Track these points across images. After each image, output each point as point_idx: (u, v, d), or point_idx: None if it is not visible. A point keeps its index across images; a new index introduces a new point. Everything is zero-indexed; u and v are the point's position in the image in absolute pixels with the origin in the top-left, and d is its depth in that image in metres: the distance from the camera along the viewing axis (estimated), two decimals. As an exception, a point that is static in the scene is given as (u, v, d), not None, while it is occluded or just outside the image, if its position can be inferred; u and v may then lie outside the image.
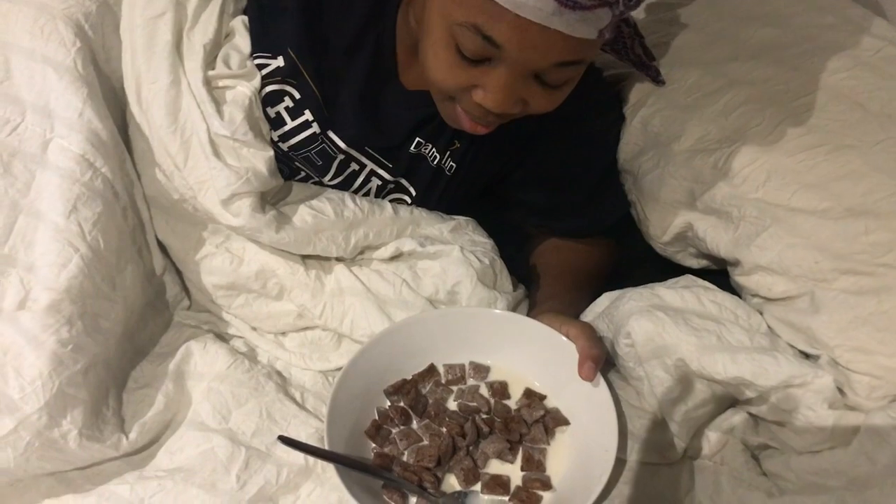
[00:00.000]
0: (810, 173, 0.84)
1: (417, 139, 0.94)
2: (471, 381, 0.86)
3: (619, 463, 0.78)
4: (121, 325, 0.81)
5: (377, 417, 0.82)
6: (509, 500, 0.75)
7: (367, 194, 0.96)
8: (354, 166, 0.94)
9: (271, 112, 0.90)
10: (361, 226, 0.91)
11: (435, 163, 0.96)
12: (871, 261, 0.78)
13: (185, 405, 0.82)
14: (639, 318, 0.81)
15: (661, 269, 0.99)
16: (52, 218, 0.75)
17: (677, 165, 0.94)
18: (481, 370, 0.86)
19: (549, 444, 0.80)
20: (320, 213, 0.88)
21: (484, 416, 0.81)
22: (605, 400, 0.78)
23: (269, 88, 0.89)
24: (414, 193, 0.98)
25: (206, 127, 0.83)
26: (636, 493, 0.77)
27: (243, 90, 0.87)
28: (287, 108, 0.90)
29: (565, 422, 0.81)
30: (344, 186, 0.95)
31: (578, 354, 0.80)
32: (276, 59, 0.88)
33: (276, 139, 0.91)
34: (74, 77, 0.79)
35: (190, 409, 0.81)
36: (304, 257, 0.90)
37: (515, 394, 0.85)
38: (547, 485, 0.76)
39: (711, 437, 0.80)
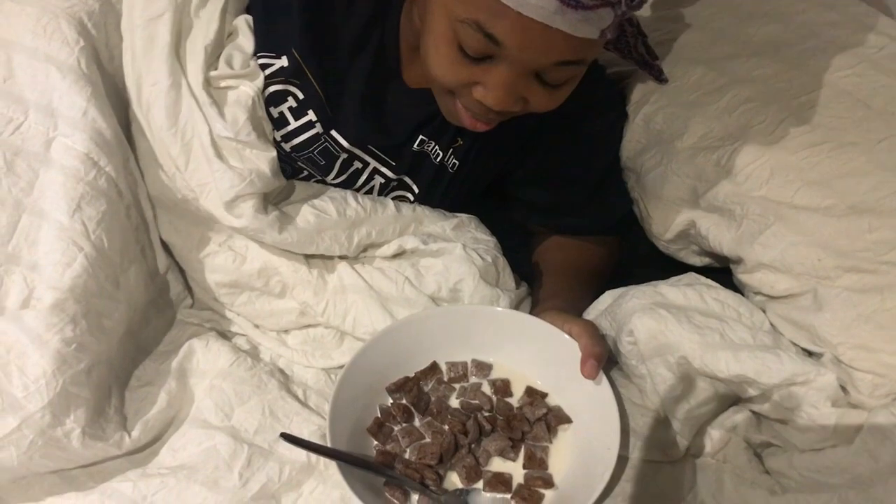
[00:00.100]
0: (813, 171, 0.84)
1: (420, 137, 0.94)
2: (473, 379, 0.86)
3: (622, 461, 0.78)
4: (124, 323, 0.82)
5: (379, 415, 0.82)
6: (511, 497, 0.75)
7: (369, 192, 0.96)
8: (357, 165, 0.94)
9: (274, 112, 0.90)
10: (364, 224, 0.91)
11: (438, 160, 0.96)
12: (875, 258, 0.78)
13: (187, 403, 0.82)
14: (641, 315, 0.81)
15: (664, 267, 0.99)
16: (56, 217, 0.75)
17: (680, 163, 0.93)
18: (484, 368, 0.86)
19: (551, 442, 0.80)
20: (323, 212, 0.88)
21: (486, 414, 0.81)
22: (607, 398, 0.78)
23: (272, 89, 0.89)
24: (417, 191, 0.98)
25: (209, 129, 0.83)
26: (639, 490, 0.77)
27: (246, 90, 0.86)
28: (290, 109, 0.90)
29: (567, 420, 0.81)
30: (347, 185, 0.95)
31: (581, 352, 0.80)
32: (279, 58, 0.88)
33: (278, 139, 0.90)
34: (78, 76, 0.79)
35: (192, 406, 0.82)
36: (307, 255, 0.90)
37: (518, 391, 0.85)
38: (549, 483, 0.76)
39: (714, 435, 0.80)
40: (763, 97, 0.90)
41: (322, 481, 0.78)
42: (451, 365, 0.86)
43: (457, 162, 0.96)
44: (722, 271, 0.93)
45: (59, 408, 0.70)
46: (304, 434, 0.79)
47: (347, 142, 0.91)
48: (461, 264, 0.90)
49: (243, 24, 0.89)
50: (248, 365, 0.85)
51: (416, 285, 0.90)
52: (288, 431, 0.77)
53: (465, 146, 0.96)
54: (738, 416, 0.80)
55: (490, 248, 0.95)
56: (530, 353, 0.85)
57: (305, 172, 0.94)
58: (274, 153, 0.86)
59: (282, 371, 0.88)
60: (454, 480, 0.77)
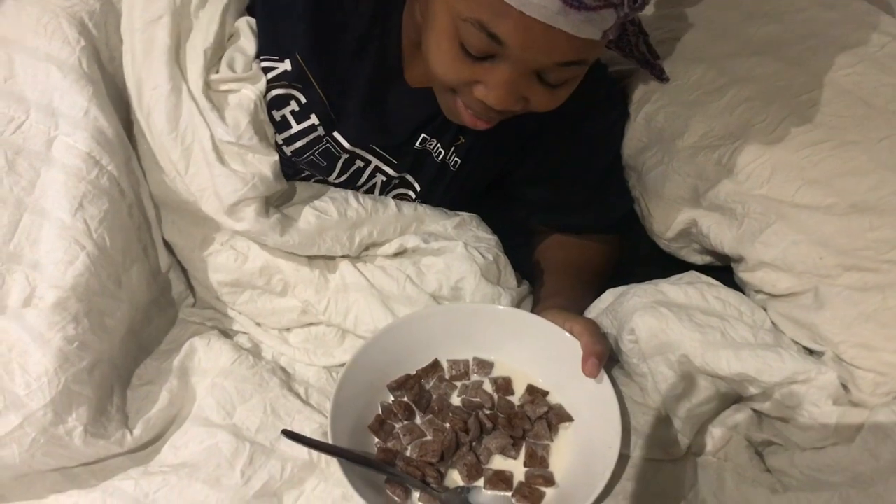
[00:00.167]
0: (815, 169, 0.84)
1: (423, 135, 0.94)
2: (474, 377, 0.86)
3: (623, 459, 0.78)
4: (126, 322, 0.82)
5: (381, 412, 0.82)
6: (512, 495, 0.75)
7: (371, 190, 0.96)
8: (359, 163, 0.94)
9: (276, 115, 0.89)
10: (365, 224, 0.91)
11: (440, 158, 0.96)
12: (876, 257, 0.78)
13: (189, 401, 0.82)
14: (643, 314, 0.82)
15: (665, 265, 0.99)
16: (58, 216, 0.75)
17: (681, 162, 0.93)
18: (485, 366, 0.86)
19: (552, 440, 0.80)
20: (324, 213, 0.88)
21: (487, 412, 0.82)
22: (608, 396, 0.78)
23: (274, 93, 0.88)
24: (419, 189, 0.98)
25: (210, 133, 0.83)
26: (640, 489, 0.77)
27: (248, 94, 0.86)
28: (293, 112, 0.90)
29: (569, 418, 0.81)
30: (348, 183, 0.95)
31: (582, 351, 0.80)
32: (283, 62, 0.88)
33: (280, 142, 0.90)
34: (79, 75, 0.79)
35: (194, 404, 0.82)
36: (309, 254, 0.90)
37: (519, 390, 0.85)
38: (550, 481, 0.76)
39: (715, 434, 0.80)
40: (764, 96, 0.90)
41: (324, 479, 0.78)
42: (453, 363, 0.86)
43: (459, 160, 0.96)
44: (723, 270, 0.93)
45: (61, 406, 0.71)
46: (306, 432, 0.79)
47: (349, 143, 0.91)
48: (462, 262, 0.90)
49: (245, 25, 0.89)
50: (249, 363, 0.85)
51: (418, 284, 0.90)
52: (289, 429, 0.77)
53: (466, 144, 0.96)
54: (739, 415, 0.80)
55: (491, 246, 0.95)
56: (532, 351, 0.85)
57: (306, 172, 0.94)
58: (276, 157, 0.86)
59: (283, 369, 0.88)
60: (455, 478, 0.77)
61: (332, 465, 0.77)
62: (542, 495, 0.75)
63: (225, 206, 0.83)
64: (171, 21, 0.83)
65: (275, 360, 0.90)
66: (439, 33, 0.75)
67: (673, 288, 0.86)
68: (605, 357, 0.80)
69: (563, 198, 1.03)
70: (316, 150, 0.91)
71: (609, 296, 0.91)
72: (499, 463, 0.79)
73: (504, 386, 0.84)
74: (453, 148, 0.96)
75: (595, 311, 0.91)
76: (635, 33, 0.95)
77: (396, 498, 0.75)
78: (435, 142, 0.94)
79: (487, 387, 0.85)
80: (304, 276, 0.89)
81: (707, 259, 0.97)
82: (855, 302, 0.77)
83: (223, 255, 0.89)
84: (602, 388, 0.79)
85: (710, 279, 0.88)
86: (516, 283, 0.96)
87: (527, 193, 1.05)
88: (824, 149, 0.84)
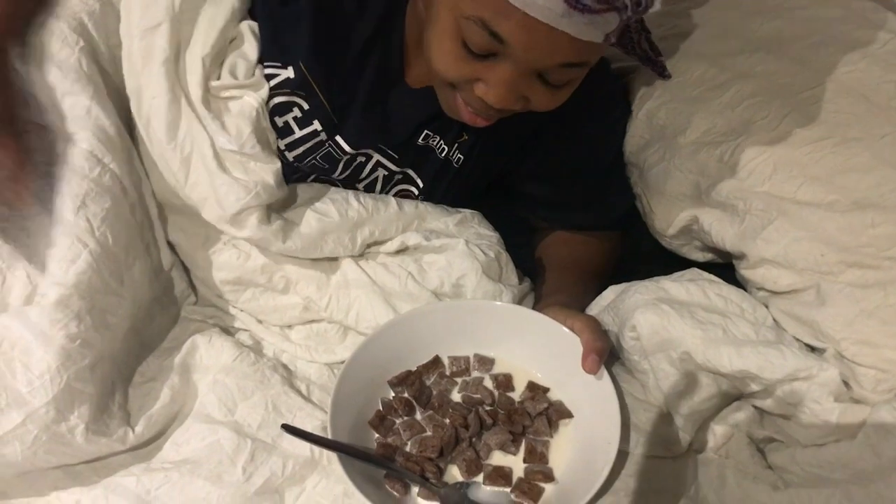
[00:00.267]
0: (816, 166, 0.83)
1: (425, 132, 0.94)
2: (475, 374, 0.86)
3: (624, 456, 0.78)
4: (128, 320, 0.82)
5: (381, 408, 0.82)
6: (511, 491, 0.75)
7: (373, 184, 0.96)
8: (361, 159, 0.94)
9: (279, 121, 0.89)
10: (367, 224, 0.91)
11: (443, 155, 0.96)
12: (878, 254, 0.78)
13: (191, 398, 0.82)
14: (644, 311, 0.82)
15: (667, 262, 0.98)
16: (60, 213, 0.76)
17: (683, 158, 0.93)
18: (486, 362, 0.86)
19: (552, 436, 0.80)
20: (325, 215, 0.88)
21: (487, 408, 0.82)
22: (608, 393, 0.78)
23: (277, 100, 0.88)
24: (421, 185, 0.98)
25: (210, 143, 0.82)
26: (641, 486, 0.77)
27: (250, 101, 0.85)
28: (295, 118, 0.89)
29: (569, 414, 0.81)
30: (351, 178, 0.95)
31: (582, 347, 0.80)
32: (285, 69, 0.87)
33: (282, 148, 0.90)
34: (79, 75, 0.79)
35: (196, 401, 0.82)
36: (311, 253, 0.91)
37: (520, 386, 0.85)
38: (549, 477, 0.76)
39: (717, 431, 0.80)
40: (766, 93, 0.90)
41: (325, 476, 0.78)
42: (454, 359, 0.86)
43: (462, 157, 0.96)
44: (725, 267, 0.93)
45: (64, 403, 0.71)
46: (307, 429, 0.79)
47: (350, 146, 0.91)
48: (464, 260, 0.90)
49: (247, 30, 0.88)
50: (251, 360, 0.85)
51: (419, 280, 0.90)
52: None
53: (470, 141, 0.96)
54: (740, 412, 0.80)
55: (493, 243, 0.95)
56: (533, 348, 0.85)
57: (308, 173, 0.95)
58: (278, 164, 0.86)
59: (285, 366, 0.89)
60: (454, 474, 0.77)
61: (333, 461, 0.77)
62: (541, 491, 0.75)
63: (227, 216, 0.83)
64: (171, 28, 0.82)
65: (276, 356, 0.90)
66: (441, 30, 0.75)
67: (674, 285, 0.86)
68: (606, 353, 0.80)
69: (565, 195, 1.03)
70: (318, 155, 0.91)
71: (611, 293, 0.91)
72: (498, 459, 0.79)
73: (504, 382, 0.84)
74: (456, 145, 0.96)
75: (597, 308, 0.91)
76: (637, 30, 0.95)
77: (395, 493, 0.75)
78: (438, 138, 0.94)
79: (488, 383, 0.85)
80: (305, 273, 0.90)
81: (709, 256, 0.97)
82: (856, 299, 0.77)
83: (226, 253, 0.89)
84: (602, 385, 0.79)
85: (711, 276, 0.88)
86: (518, 280, 0.96)
87: (529, 190, 1.05)
88: (826, 146, 0.84)
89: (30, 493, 0.75)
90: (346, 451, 0.74)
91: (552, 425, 0.80)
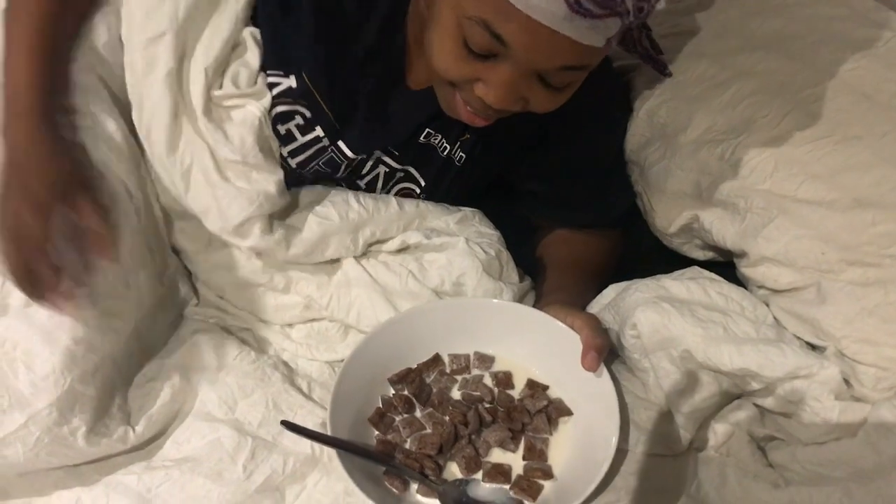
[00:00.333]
0: (817, 164, 0.83)
1: (427, 130, 0.94)
2: (475, 371, 0.86)
3: (624, 454, 0.78)
4: (132, 323, 0.82)
5: (381, 405, 0.82)
6: (510, 488, 0.76)
7: (375, 181, 0.96)
8: (362, 156, 0.94)
9: (281, 129, 0.89)
10: (368, 225, 0.91)
11: (445, 153, 0.96)
12: (878, 252, 0.78)
13: (191, 396, 0.82)
14: (645, 309, 0.81)
15: (668, 261, 0.98)
16: None
17: (684, 157, 0.93)
18: (486, 360, 0.86)
19: (551, 434, 0.80)
20: (326, 218, 0.88)
21: (487, 406, 0.82)
22: (608, 390, 0.78)
23: (279, 109, 0.87)
24: (423, 184, 0.97)
25: (211, 154, 0.82)
26: (642, 484, 0.77)
27: (253, 110, 0.85)
28: (298, 126, 0.89)
29: (568, 412, 0.81)
30: (352, 175, 0.95)
31: (582, 345, 0.80)
32: (288, 77, 0.87)
33: (285, 155, 0.90)
34: (85, 82, 0.80)
35: (196, 400, 0.82)
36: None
37: (519, 384, 0.85)
38: (548, 474, 0.76)
39: (717, 429, 0.80)
40: (767, 91, 0.90)
41: (326, 473, 0.78)
42: (454, 357, 0.86)
43: (464, 155, 0.96)
44: (725, 265, 0.93)
45: (66, 406, 0.71)
46: (308, 426, 0.79)
47: (353, 151, 0.91)
48: (464, 258, 0.90)
49: (249, 37, 0.87)
50: (251, 358, 0.85)
51: (420, 279, 0.90)
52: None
53: (472, 139, 0.95)
54: (741, 410, 0.80)
55: (494, 241, 0.95)
56: (532, 345, 0.85)
57: (310, 178, 0.95)
58: (281, 174, 0.86)
59: (286, 364, 0.89)
60: (454, 471, 0.77)
61: (334, 459, 0.76)
62: (540, 488, 0.75)
63: (230, 227, 0.83)
64: (175, 39, 0.81)
65: (277, 355, 0.90)
66: (443, 29, 0.75)
67: (675, 283, 0.86)
68: (605, 351, 0.80)
69: (566, 194, 1.03)
70: (321, 160, 0.91)
71: (611, 291, 0.91)
72: (498, 456, 0.79)
73: (504, 380, 0.84)
74: (459, 143, 0.96)
75: (597, 306, 0.91)
76: (638, 28, 0.95)
77: (394, 489, 0.75)
78: (439, 137, 0.94)
79: (488, 381, 0.85)
80: (306, 273, 0.90)
81: (709, 254, 0.97)
82: (857, 297, 0.77)
83: (227, 254, 0.89)
84: (602, 383, 0.79)
85: (712, 274, 0.88)
86: (518, 278, 0.96)
87: (531, 188, 1.05)
88: (827, 144, 0.84)
89: (31, 492, 0.75)
90: (346, 448, 0.74)
91: (551, 423, 0.80)
